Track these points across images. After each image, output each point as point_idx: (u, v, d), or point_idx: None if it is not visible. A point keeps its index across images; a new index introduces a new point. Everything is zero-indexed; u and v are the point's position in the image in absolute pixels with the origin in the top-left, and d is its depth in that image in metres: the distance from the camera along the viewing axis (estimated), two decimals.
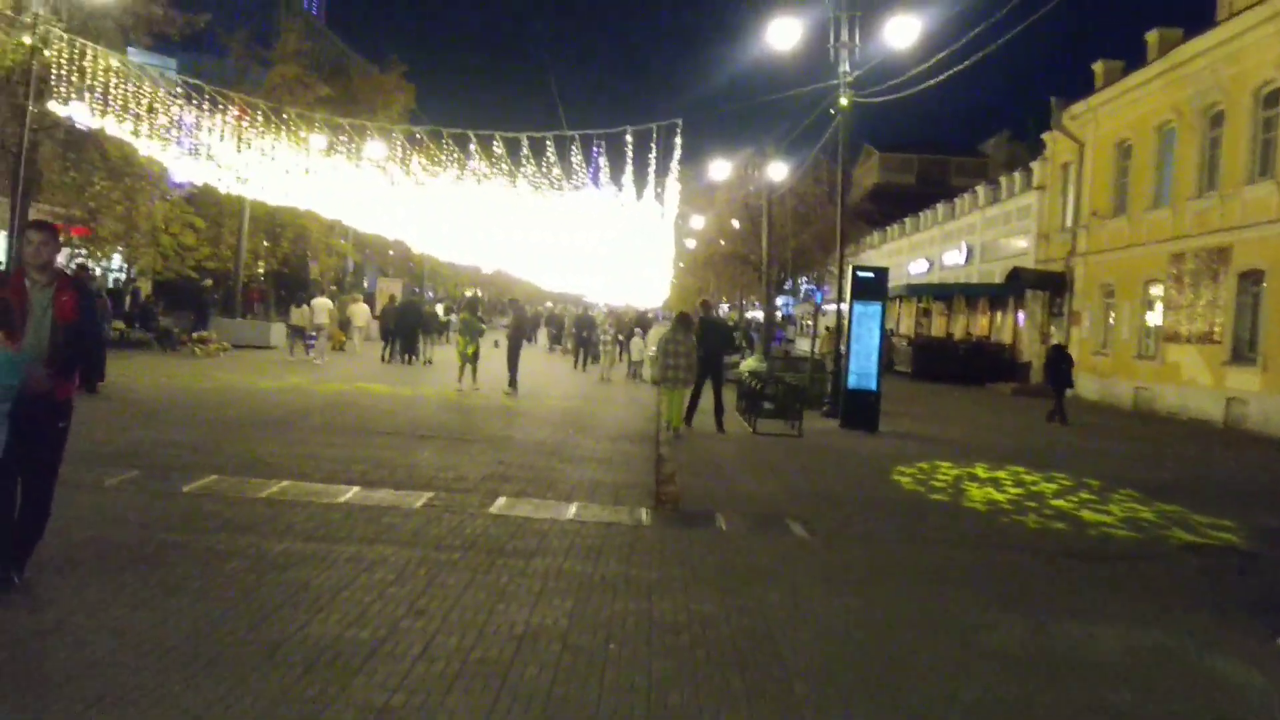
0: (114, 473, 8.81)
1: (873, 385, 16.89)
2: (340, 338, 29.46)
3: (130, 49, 35.91)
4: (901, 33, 17.26)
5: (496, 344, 24.19)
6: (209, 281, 29.93)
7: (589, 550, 7.28)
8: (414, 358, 27.53)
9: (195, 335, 25.26)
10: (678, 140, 20.88)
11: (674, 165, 21.24)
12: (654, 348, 18.86)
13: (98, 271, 27.29)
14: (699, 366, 15.31)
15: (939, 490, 11.16)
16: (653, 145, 20.95)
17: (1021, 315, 35.16)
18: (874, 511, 9.81)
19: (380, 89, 40.22)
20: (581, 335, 30.62)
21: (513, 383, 20.25)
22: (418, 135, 24.81)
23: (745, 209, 37.68)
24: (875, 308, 17.25)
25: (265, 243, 34.82)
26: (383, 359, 27.69)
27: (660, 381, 16.08)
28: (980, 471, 12.61)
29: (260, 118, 22.61)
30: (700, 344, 15.55)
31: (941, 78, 16.97)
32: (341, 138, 24.49)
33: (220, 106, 21.84)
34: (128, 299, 28.34)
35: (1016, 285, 33.71)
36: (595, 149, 21.35)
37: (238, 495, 8.40)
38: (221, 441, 11.25)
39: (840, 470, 12.52)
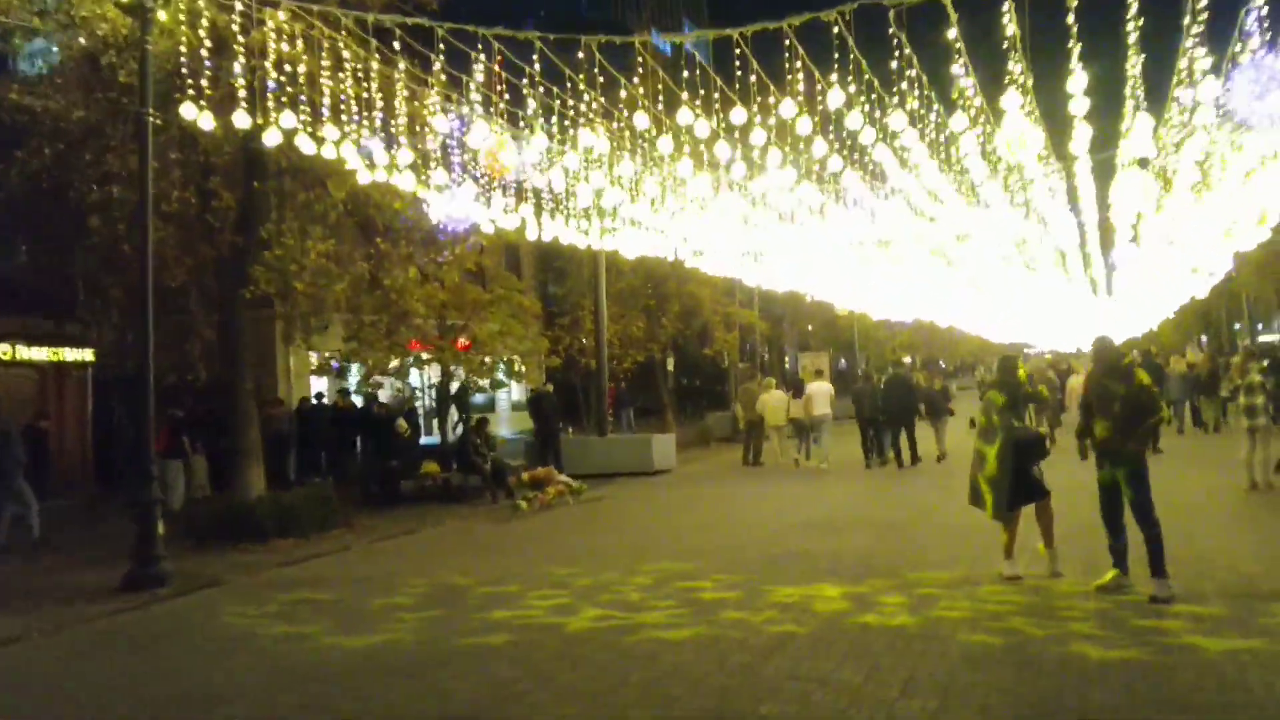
0: None
1: None
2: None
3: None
4: None
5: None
6: (549, 386, 20.84)
7: None
8: (916, 457, 18.17)
9: (525, 476, 16.06)
10: None
11: None
12: None
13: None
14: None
15: None
16: None
17: None
18: None
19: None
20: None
21: (1158, 575, 8.07)
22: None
23: None
24: None
25: (639, 323, 25.52)
26: (868, 465, 18.67)
27: None
28: None
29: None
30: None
31: None
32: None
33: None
34: (459, 424, 20.14)
35: None
36: None
37: None
38: None
39: None
